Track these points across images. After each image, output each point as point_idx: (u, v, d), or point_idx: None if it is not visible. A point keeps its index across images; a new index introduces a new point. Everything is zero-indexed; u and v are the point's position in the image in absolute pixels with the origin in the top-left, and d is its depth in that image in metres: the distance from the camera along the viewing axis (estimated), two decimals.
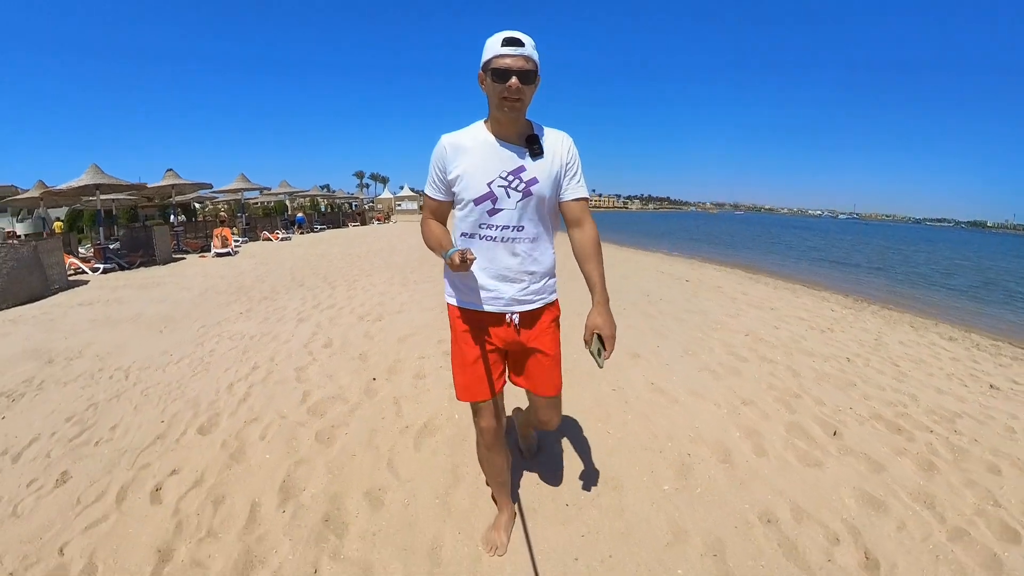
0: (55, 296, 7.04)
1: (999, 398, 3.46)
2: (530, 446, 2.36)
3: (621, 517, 1.96)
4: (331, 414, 2.86)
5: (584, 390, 3.11)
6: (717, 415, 2.85)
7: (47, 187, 12.61)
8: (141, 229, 12.46)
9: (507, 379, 1.72)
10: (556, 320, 1.65)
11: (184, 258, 11.97)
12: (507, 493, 1.82)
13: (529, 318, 1.58)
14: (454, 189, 1.50)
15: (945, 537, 1.90)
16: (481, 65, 1.41)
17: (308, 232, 21.54)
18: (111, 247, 10.37)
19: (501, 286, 1.52)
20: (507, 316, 1.55)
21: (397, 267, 8.96)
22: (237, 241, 14.41)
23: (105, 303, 6.31)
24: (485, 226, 1.49)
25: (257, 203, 26.76)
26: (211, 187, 15.88)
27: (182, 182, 14.07)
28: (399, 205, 42.29)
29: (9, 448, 2.62)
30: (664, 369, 3.58)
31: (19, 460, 2.50)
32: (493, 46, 1.36)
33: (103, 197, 11.82)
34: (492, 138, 1.47)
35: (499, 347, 1.61)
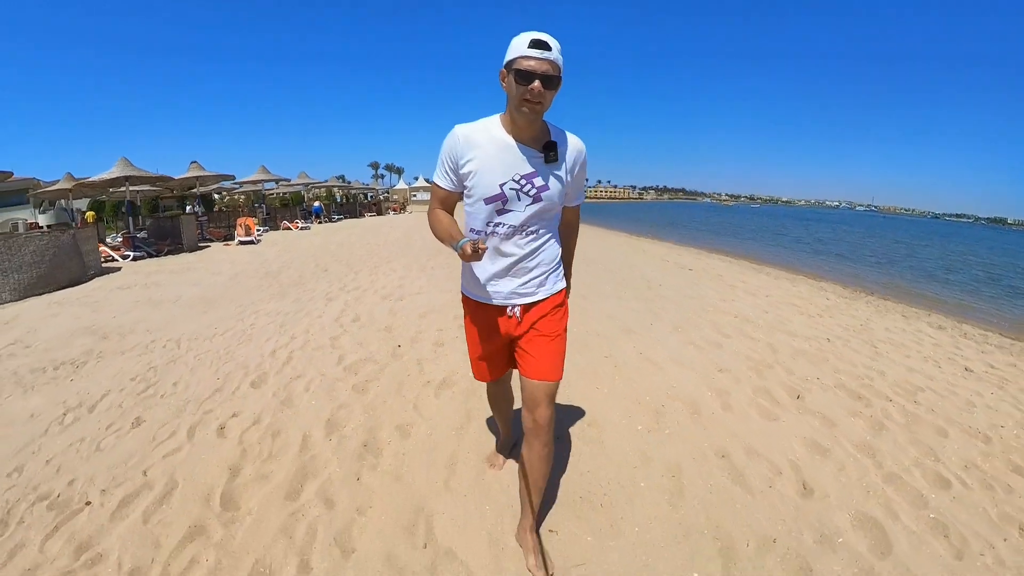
0: (92, 281, 7.44)
1: (970, 379, 3.55)
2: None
3: (599, 446, 2.40)
4: (364, 372, 3.33)
5: (579, 356, 3.52)
6: (693, 379, 3.24)
7: (76, 179, 12.85)
8: (168, 219, 12.87)
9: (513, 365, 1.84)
10: (559, 306, 1.64)
11: (208, 246, 12.37)
12: (506, 424, 2.21)
13: (531, 307, 1.61)
14: (466, 184, 1.50)
15: (880, 479, 2.15)
16: (504, 63, 1.38)
17: (326, 221, 22.01)
18: (139, 236, 10.87)
19: (502, 280, 1.56)
20: (508, 309, 1.59)
21: (414, 255, 9.40)
22: (259, 230, 14.88)
23: (143, 287, 6.76)
24: (492, 223, 1.51)
25: (275, 194, 27.37)
26: (233, 178, 16.39)
27: (206, 174, 14.47)
28: (414, 196, 42.65)
29: (84, 402, 2.92)
30: (654, 343, 3.98)
31: (95, 410, 2.80)
32: (519, 46, 1.33)
33: (132, 189, 12.30)
34: (508, 138, 1.45)
35: (503, 338, 1.66)
